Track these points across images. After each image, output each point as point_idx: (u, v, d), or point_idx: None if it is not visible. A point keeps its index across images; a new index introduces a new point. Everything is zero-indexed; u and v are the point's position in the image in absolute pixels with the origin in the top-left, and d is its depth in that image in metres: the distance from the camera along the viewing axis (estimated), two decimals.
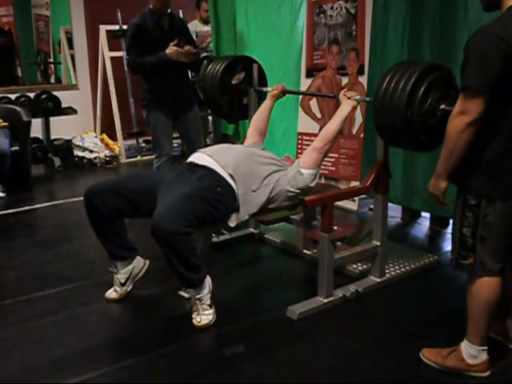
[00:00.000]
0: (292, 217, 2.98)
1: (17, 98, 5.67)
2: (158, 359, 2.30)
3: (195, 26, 5.86)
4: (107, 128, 6.46)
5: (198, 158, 2.76)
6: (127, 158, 6.25)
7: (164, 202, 2.42)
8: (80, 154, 5.97)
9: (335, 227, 2.81)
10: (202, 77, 4.26)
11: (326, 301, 2.71)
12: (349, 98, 2.81)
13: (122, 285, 2.79)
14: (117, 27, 6.08)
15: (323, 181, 4.13)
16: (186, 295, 2.75)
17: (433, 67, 2.44)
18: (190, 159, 2.80)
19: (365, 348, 2.39)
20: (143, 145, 6.48)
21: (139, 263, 2.84)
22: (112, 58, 6.27)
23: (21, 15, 6.51)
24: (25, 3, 6.50)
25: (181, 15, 5.78)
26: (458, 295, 2.39)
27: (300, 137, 4.41)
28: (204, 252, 2.75)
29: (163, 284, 2.92)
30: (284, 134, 4.77)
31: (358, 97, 2.83)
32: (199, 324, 2.52)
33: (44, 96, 5.76)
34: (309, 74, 4.32)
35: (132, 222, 2.88)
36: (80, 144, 6.00)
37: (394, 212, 3.96)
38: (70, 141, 6.03)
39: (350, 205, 4.08)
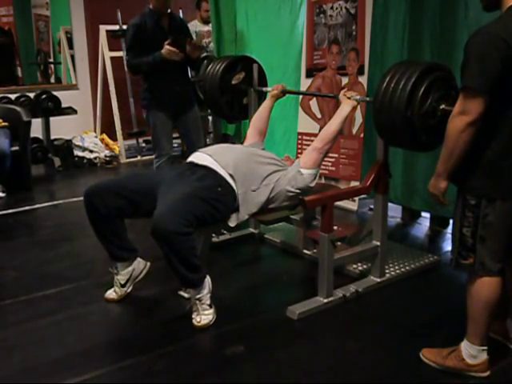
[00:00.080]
0: (292, 217, 2.98)
1: (17, 98, 5.67)
2: (157, 359, 2.30)
3: (195, 26, 5.86)
4: (107, 128, 6.46)
5: (198, 157, 2.76)
6: (127, 158, 6.25)
7: (164, 202, 2.42)
8: (80, 153, 5.97)
9: (335, 227, 2.81)
10: (202, 77, 4.26)
11: (325, 301, 2.71)
12: (349, 98, 2.81)
13: (122, 286, 2.79)
14: (117, 27, 6.08)
15: (323, 181, 4.13)
16: (185, 295, 2.75)
17: (433, 67, 2.44)
18: (189, 159, 2.80)
19: (365, 348, 2.39)
20: (143, 145, 6.48)
21: (140, 265, 2.84)
22: (112, 58, 6.27)
23: (21, 15, 6.51)
24: (25, 3, 6.50)
25: (181, 15, 5.78)
26: (458, 295, 2.40)
27: (300, 137, 4.41)
28: (204, 252, 2.75)
29: (163, 284, 2.92)
30: (284, 134, 4.77)
31: (358, 97, 2.83)
32: (199, 324, 2.52)
33: (44, 96, 5.76)
34: (309, 74, 4.32)
35: (132, 222, 2.88)
36: (80, 144, 6.00)
37: (394, 212, 3.96)
38: (70, 141, 6.03)
39: (350, 205, 4.09)
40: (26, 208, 4.46)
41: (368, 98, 3.03)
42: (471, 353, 2.11)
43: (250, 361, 2.30)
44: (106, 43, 6.24)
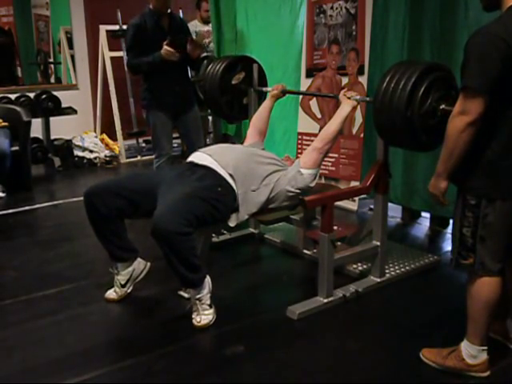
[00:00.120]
0: (292, 217, 2.98)
1: (17, 98, 5.67)
2: (158, 359, 2.30)
3: (195, 26, 5.86)
4: (107, 128, 6.46)
5: (198, 157, 2.76)
6: (127, 158, 6.25)
7: (164, 202, 2.42)
8: (80, 153, 5.97)
9: (335, 227, 2.81)
10: (202, 77, 4.26)
11: (326, 301, 2.71)
12: (349, 98, 2.81)
13: (123, 286, 2.79)
14: (117, 27, 6.09)
15: (323, 181, 4.14)
16: (185, 295, 2.75)
17: (433, 67, 2.44)
18: (189, 159, 2.80)
19: (365, 348, 2.39)
20: (143, 145, 6.48)
21: (140, 265, 2.84)
22: (112, 58, 6.27)
23: (21, 15, 6.51)
24: (25, 3, 6.50)
25: (181, 15, 5.78)
26: (458, 295, 2.40)
27: (300, 137, 4.41)
28: (204, 252, 2.75)
29: (163, 284, 2.92)
30: (284, 134, 4.77)
31: (358, 97, 2.83)
32: (199, 324, 2.52)
33: (44, 96, 5.76)
34: (309, 74, 4.32)
35: (132, 222, 2.87)
36: (80, 144, 6.00)
37: (394, 212, 3.96)
38: (70, 141, 6.03)
39: (350, 205, 4.09)
40: (26, 208, 4.46)
41: (368, 98, 3.03)
42: (471, 353, 2.11)
43: (249, 361, 2.30)
44: (105, 43, 6.24)
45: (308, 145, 3.34)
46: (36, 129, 5.58)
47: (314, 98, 4.29)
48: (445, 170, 1.99)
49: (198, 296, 2.52)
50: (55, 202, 4.70)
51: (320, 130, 2.96)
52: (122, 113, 6.27)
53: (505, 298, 2.15)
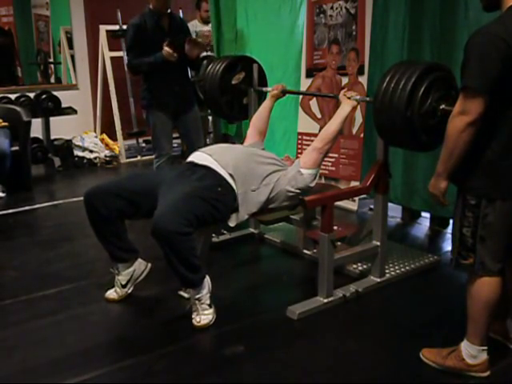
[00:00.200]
0: (292, 217, 2.98)
1: (17, 98, 5.67)
2: (158, 359, 2.30)
3: (195, 26, 5.86)
4: (107, 128, 6.46)
5: (198, 157, 2.76)
6: (127, 158, 6.25)
7: (164, 202, 2.42)
8: (80, 153, 5.97)
9: (335, 227, 2.81)
10: (202, 77, 4.26)
11: (326, 301, 2.71)
12: (349, 98, 2.81)
13: (123, 286, 2.79)
14: (117, 27, 6.08)
15: (323, 181, 4.14)
16: (185, 295, 2.75)
17: (433, 67, 2.44)
18: (189, 158, 2.80)
19: (365, 348, 2.39)
20: (143, 145, 6.48)
21: (141, 266, 2.83)
22: (112, 58, 6.27)
23: (21, 15, 6.51)
24: (25, 3, 6.50)
25: (181, 15, 5.78)
26: (458, 295, 2.40)
27: (300, 137, 4.42)
28: (204, 252, 2.75)
29: (163, 284, 2.92)
30: (284, 134, 4.77)
31: (358, 97, 2.83)
32: (199, 324, 2.52)
33: (44, 96, 5.76)
34: (309, 74, 4.32)
35: (132, 222, 2.88)
36: (80, 144, 6.00)
37: (394, 212, 3.96)
38: (70, 141, 6.03)
39: (350, 205, 4.09)
40: (26, 208, 4.46)
41: (368, 98, 3.04)
42: (471, 353, 2.11)
43: (249, 361, 2.30)
44: (105, 43, 6.24)
45: (308, 145, 3.34)
46: (36, 129, 5.58)
47: (314, 98, 4.29)
48: (445, 170, 1.99)
49: (197, 296, 2.52)
50: (55, 202, 4.69)
51: (320, 130, 2.96)
52: (122, 113, 6.27)
53: (505, 298, 2.15)
